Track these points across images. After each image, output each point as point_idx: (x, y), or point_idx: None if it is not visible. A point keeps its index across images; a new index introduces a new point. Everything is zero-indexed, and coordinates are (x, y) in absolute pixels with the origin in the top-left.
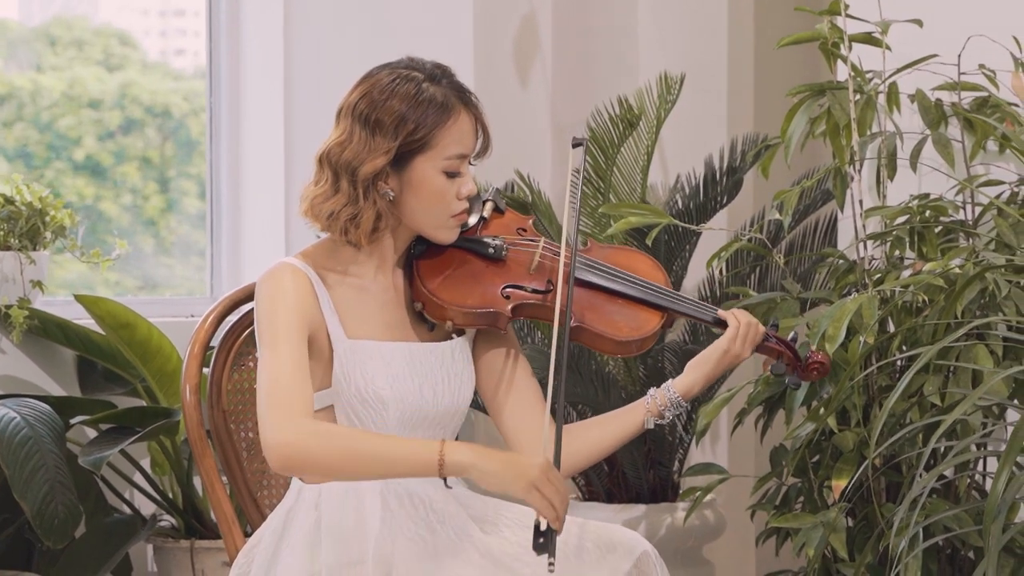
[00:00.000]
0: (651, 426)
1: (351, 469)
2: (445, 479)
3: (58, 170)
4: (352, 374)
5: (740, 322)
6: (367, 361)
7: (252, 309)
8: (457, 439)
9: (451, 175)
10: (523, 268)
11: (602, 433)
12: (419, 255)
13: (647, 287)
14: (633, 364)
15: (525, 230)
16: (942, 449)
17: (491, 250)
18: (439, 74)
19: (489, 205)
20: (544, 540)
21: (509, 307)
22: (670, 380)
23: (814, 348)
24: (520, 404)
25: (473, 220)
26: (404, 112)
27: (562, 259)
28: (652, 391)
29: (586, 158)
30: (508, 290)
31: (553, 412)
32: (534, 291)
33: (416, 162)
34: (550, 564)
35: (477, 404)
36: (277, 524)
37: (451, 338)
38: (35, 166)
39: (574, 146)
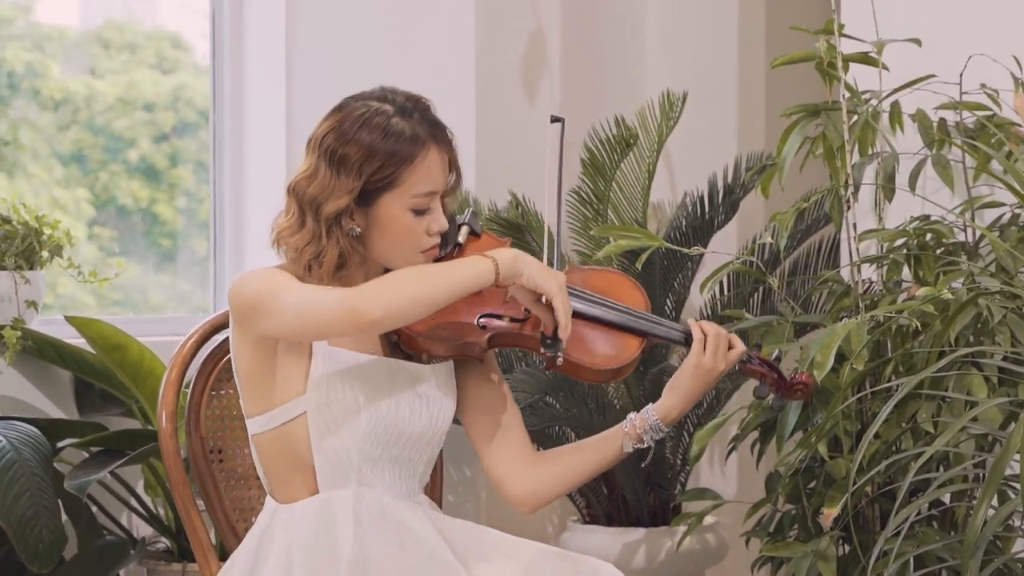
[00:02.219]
0: (629, 450)
1: (432, 296)
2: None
3: (113, 173)
4: (328, 381)
5: (705, 333)
6: (344, 370)
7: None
8: (435, 467)
9: (419, 212)
10: (499, 296)
11: (580, 458)
12: None
13: (625, 312)
14: (634, 386)
15: None
16: (937, 478)
17: None
18: (411, 107)
19: (465, 229)
20: (552, 341)
21: (485, 338)
22: (649, 404)
23: (802, 371)
24: (499, 430)
25: (445, 252)
26: (370, 148)
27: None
28: (631, 415)
29: (562, 138)
30: (483, 320)
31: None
32: (511, 320)
33: (382, 200)
34: (559, 358)
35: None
36: (251, 546)
37: (432, 362)
38: (91, 169)
39: (552, 122)
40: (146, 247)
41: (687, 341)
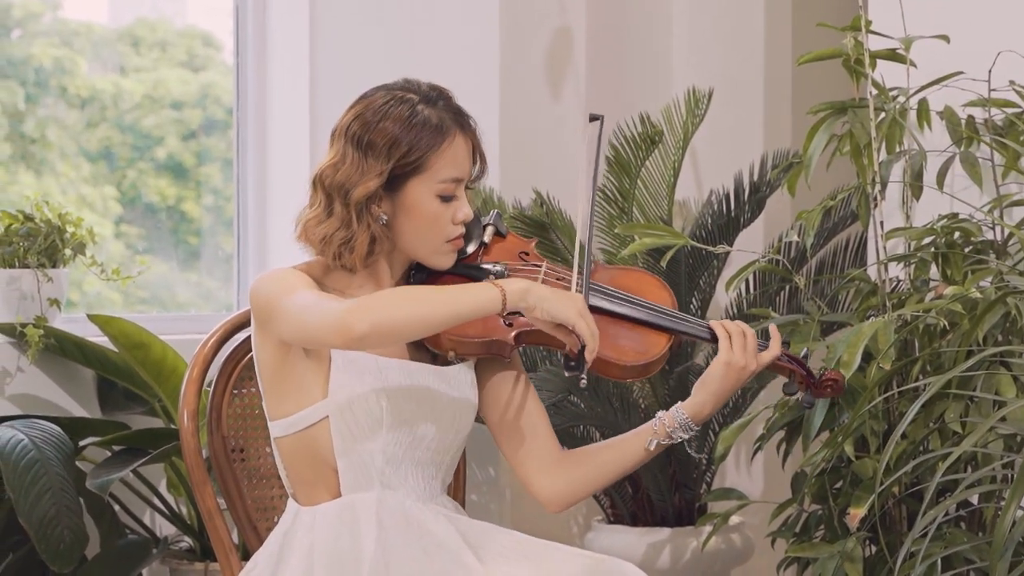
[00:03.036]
0: (652, 447)
1: (428, 318)
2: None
3: (140, 171)
4: (349, 384)
5: (729, 332)
6: (364, 374)
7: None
8: (458, 467)
9: (446, 199)
10: None
11: (609, 457)
12: (417, 284)
13: (652, 309)
14: (659, 385)
15: (528, 254)
16: (965, 478)
17: (491, 276)
18: (435, 96)
19: (490, 229)
20: (576, 364)
21: (512, 335)
22: (679, 403)
23: (831, 368)
24: (525, 429)
25: (472, 247)
26: (397, 134)
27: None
28: (660, 414)
29: (601, 138)
30: (511, 317)
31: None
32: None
33: (409, 185)
34: (583, 380)
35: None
36: (273, 548)
37: (453, 363)
38: (118, 167)
39: (591, 120)
40: (173, 245)
41: (714, 338)
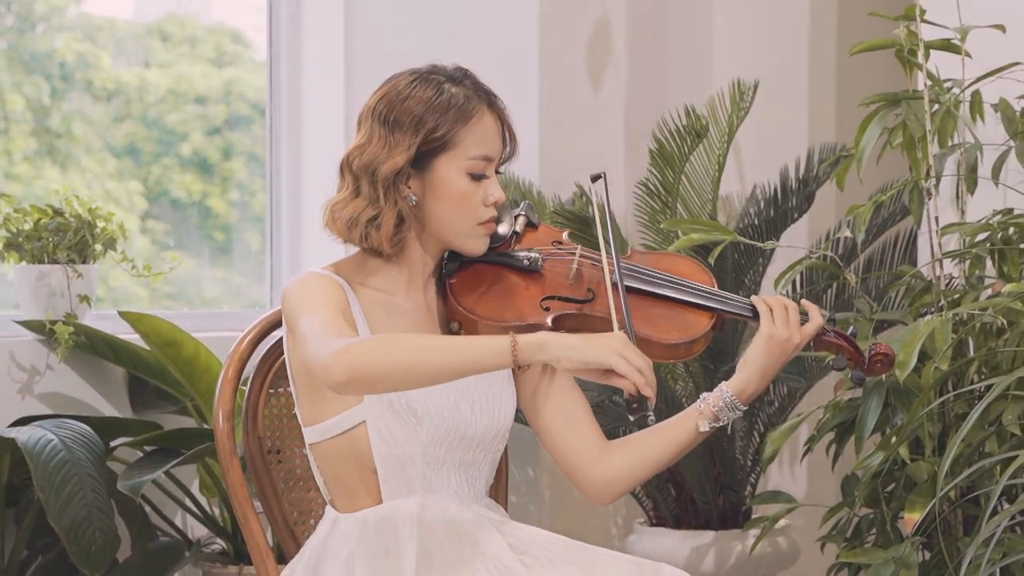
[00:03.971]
0: (705, 428)
1: (417, 369)
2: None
3: (166, 166)
4: None
5: (770, 305)
6: None
7: None
8: (499, 467)
9: (476, 178)
10: (561, 278)
11: (654, 444)
12: (451, 273)
13: (692, 288)
14: (702, 383)
15: (561, 242)
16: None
17: (526, 262)
18: (460, 76)
19: (521, 219)
20: (637, 405)
21: (549, 319)
22: (723, 382)
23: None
24: (566, 421)
25: (503, 229)
26: (424, 110)
27: (605, 267)
28: (705, 395)
29: (607, 192)
30: (547, 302)
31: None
32: (573, 300)
33: (438, 162)
34: (650, 420)
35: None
36: (311, 556)
37: None
38: (143, 162)
39: (593, 180)
40: (199, 240)
41: (756, 315)
